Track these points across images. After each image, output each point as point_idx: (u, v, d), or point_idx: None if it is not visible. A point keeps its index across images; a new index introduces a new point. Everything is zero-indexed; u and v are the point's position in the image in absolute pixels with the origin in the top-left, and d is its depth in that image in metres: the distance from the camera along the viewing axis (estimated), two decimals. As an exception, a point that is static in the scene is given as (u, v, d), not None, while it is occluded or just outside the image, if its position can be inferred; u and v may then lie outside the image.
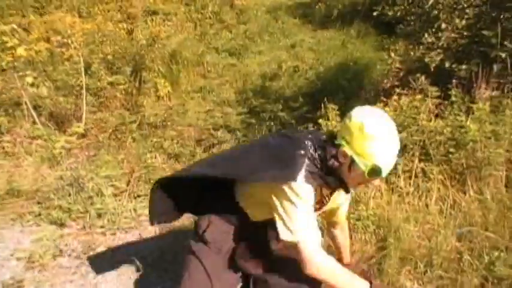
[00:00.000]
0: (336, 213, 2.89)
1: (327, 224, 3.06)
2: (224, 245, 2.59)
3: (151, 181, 4.81)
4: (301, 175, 2.25)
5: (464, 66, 5.34)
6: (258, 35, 10.84)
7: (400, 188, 4.14)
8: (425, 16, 6.08)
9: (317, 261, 2.24)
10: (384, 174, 2.23)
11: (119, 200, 4.48)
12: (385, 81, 6.65)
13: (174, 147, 5.50)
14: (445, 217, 3.83)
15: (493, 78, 4.97)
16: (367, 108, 2.33)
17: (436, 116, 4.73)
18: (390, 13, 6.40)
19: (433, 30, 5.81)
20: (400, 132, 4.41)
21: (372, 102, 5.58)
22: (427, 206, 3.97)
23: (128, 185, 4.72)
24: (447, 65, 5.54)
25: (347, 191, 2.43)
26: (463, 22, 5.68)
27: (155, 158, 5.23)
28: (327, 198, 2.58)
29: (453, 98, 4.80)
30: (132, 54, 7.14)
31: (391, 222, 3.71)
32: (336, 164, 2.31)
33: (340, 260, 3.03)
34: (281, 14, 11.78)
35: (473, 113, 4.50)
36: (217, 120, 7.01)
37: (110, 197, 4.47)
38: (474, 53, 5.61)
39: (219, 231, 2.58)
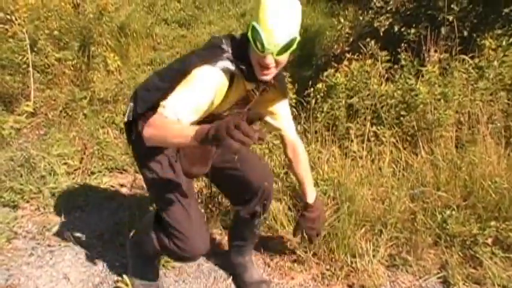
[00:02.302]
0: (279, 122, 2.85)
1: (285, 155, 3.02)
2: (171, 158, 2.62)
3: (105, 157, 4.76)
4: (211, 63, 2.30)
5: (413, 30, 5.42)
6: (208, 4, 10.74)
7: (354, 152, 4.19)
8: (374, -19, 6.11)
9: (154, 120, 2.17)
10: (265, 39, 2.19)
11: (73, 178, 4.42)
12: (336, 47, 6.69)
13: (126, 121, 5.44)
14: (398, 179, 3.90)
15: (441, 41, 5.05)
16: None
17: (387, 80, 4.79)
18: (339, -21, 6.41)
19: (382, -6, 5.84)
20: (351, 97, 4.47)
21: (322, 68, 5.60)
22: (380, 169, 4.03)
23: (81, 162, 4.65)
24: (396, 29, 5.61)
25: (255, 78, 2.38)
26: (411, -14, 5.73)
27: (108, 133, 5.15)
28: (254, 93, 2.57)
29: (403, 62, 4.86)
30: (79, 29, 6.97)
31: (345, 186, 3.75)
32: (244, 47, 2.35)
33: (303, 196, 2.98)
34: (229, -14, 11.68)
35: (422, 76, 4.58)
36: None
37: (63, 176, 4.40)
38: (422, 16, 5.68)
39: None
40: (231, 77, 2.39)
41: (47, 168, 4.41)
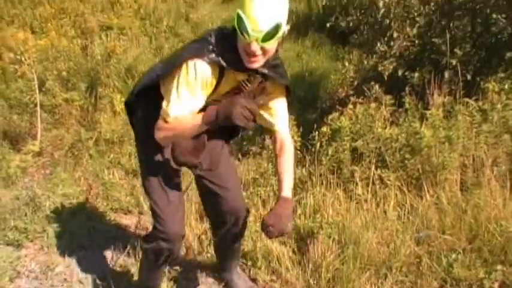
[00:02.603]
0: (274, 118, 2.87)
1: (273, 150, 3.00)
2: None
3: (110, 198, 4.77)
4: (198, 56, 2.41)
5: (416, 74, 5.46)
6: (214, 48, 10.85)
7: (358, 195, 4.18)
8: (377, 25, 6.18)
9: (161, 124, 2.51)
10: (248, 25, 2.21)
11: (77, 219, 4.42)
12: (340, 90, 6.75)
13: (132, 162, 5.45)
14: (403, 222, 3.88)
15: (445, 84, 5.09)
16: None
17: (391, 123, 4.81)
18: (343, 24, 6.50)
19: (386, 39, 5.91)
20: (356, 140, 4.49)
21: (327, 111, 5.64)
22: (385, 212, 4.02)
23: (86, 202, 4.66)
24: (400, 73, 5.65)
25: (244, 68, 2.43)
26: (414, 31, 5.80)
27: (113, 174, 5.17)
28: (246, 84, 2.60)
29: (407, 105, 4.89)
30: (87, 70, 7.07)
31: (350, 229, 3.74)
32: (232, 37, 2.40)
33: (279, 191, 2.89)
34: (236, 27, 11.83)
35: (427, 119, 4.59)
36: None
37: (68, 216, 4.40)
38: (426, 60, 5.74)
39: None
40: (221, 68, 2.46)
41: (52, 208, 4.41)
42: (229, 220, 3.12)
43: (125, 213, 4.65)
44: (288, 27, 2.38)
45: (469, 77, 5.33)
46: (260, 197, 4.32)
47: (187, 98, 2.45)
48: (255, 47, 2.28)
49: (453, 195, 4.02)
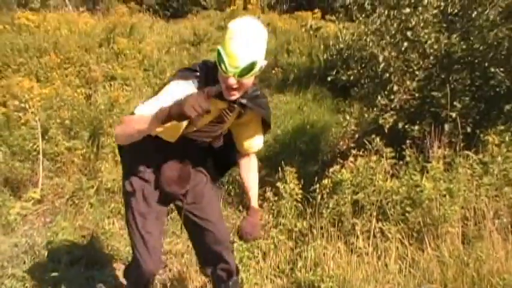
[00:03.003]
0: (250, 140, 3.11)
1: (238, 160, 3.23)
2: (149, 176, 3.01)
3: (109, 247, 4.74)
4: (183, 79, 2.69)
5: (417, 127, 5.51)
6: (215, 97, 10.93)
7: (359, 248, 4.16)
8: (378, 79, 6.26)
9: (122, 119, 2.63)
10: (227, 62, 2.45)
11: (76, 268, 4.39)
12: (341, 143, 6.78)
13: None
14: (404, 276, 3.86)
15: (445, 137, 5.12)
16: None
17: (392, 176, 4.81)
18: (344, 77, 6.56)
19: (386, 92, 5.97)
20: (357, 193, 4.48)
21: (328, 164, 5.65)
22: (386, 265, 4.00)
23: (85, 252, 4.63)
24: (400, 125, 5.70)
25: (223, 96, 2.60)
26: (414, 84, 5.86)
27: (113, 223, 5.15)
28: (226, 114, 2.84)
29: (408, 158, 4.91)
30: (90, 119, 7.11)
31: (351, 283, 3.71)
32: (215, 70, 2.59)
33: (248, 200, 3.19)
34: (238, 79, 11.94)
35: (427, 172, 4.60)
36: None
37: (67, 265, 4.37)
38: (426, 113, 5.79)
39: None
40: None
41: (51, 256, 4.38)
42: (215, 253, 3.26)
43: (124, 264, 4.60)
44: (265, 62, 2.60)
45: (469, 130, 5.38)
46: (261, 249, 4.29)
47: (158, 101, 2.60)
48: (232, 81, 2.50)
49: (455, 248, 4.01)
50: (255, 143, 3.14)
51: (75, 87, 8.78)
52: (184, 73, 2.75)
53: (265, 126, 3.10)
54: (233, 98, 2.62)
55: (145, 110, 2.58)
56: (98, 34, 12.18)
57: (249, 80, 2.57)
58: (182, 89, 2.59)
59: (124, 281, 3.64)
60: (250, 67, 2.48)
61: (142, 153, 2.97)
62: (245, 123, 3.00)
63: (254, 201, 3.12)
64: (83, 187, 5.69)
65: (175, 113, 2.33)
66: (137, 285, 3.24)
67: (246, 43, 2.46)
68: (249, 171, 3.20)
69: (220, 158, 3.30)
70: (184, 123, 2.62)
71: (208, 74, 2.68)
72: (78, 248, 4.65)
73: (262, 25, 2.58)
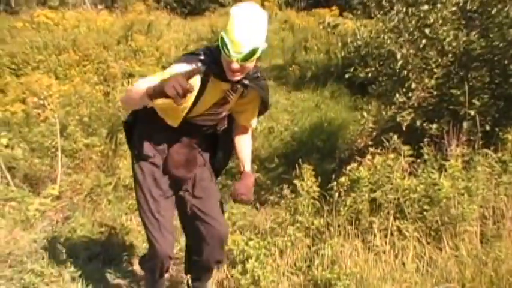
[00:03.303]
0: (251, 118, 3.30)
1: (233, 132, 3.38)
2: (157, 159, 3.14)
3: (127, 244, 4.77)
4: (187, 62, 2.78)
5: (435, 125, 5.47)
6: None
7: (376, 246, 4.14)
8: (396, 76, 6.23)
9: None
10: (230, 48, 2.60)
11: (94, 264, 4.41)
12: (359, 140, 6.76)
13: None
14: (422, 275, 3.83)
15: (464, 135, 5.08)
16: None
17: (410, 174, 4.78)
18: (362, 74, 6.54)
19: (404, 90, 5.95)
20: (374, 191, 4.46)
21: (346, 162, 5.64)
22: (403, 264, 3.97)
23: (103, 248, 4.66)
24: (418, 123, 5.67)
25: (225, 77, 2.79)
26: (433, 82, 5.83)
27: (131, 220, 5.18)
28: (229, 95, 2.98)
29: (426, 156, 4.88)
30: (108, 116, 7.16)
31: (368, 281, 3.70)
32: (217, 53, 2.76)
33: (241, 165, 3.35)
34: (256, 76, 11.94)
35: (445, 170, 4.57)
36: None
37: (85, 261, 4.40)
38: (444, 111, 5.75)
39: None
40: (206, 76, 2.82)
41: (69, 252, 4.41)
42: (214, 246, 3.38)
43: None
44: (266, 45, 2.73)
45: (487, 128, 5.34)
46: (278, 246, 4.29)
47: (160, 77, 2.69)
48: (236, 65, 2.67)
49: (473, 247, 3.98)
50: (253, 121, 3.32)
51: (93, 84, 8.87)
52: (188, 57, 2.88)
53: (263, 108, 3.26)
54: (236, 79, 2.79)
55: (143, 84, 2.71)
56: (116, 32, 12.27)
57: (251, 64, 2.75)
58: (176, 69, 2.73)
59: (140, 271, 3.69)
60: (253, 52, 2.64)
61: (150, 139, 3.12)
62: (246, 103, 3.14)
63: (247, 166, 3.29)
64: (100, 184, 5.73)
65: (158, 90, 2.50)
66: (153, 273, 3.35)
67: (249, 29, 2.61)
68: (244, 140, 3.37)
69: (225, 144, 3.46)
70: (182, 106, 2.79)
71: (211, 57, 2.81)
72: (96, 244, 4.69)
73: (263, 10, 2.73)
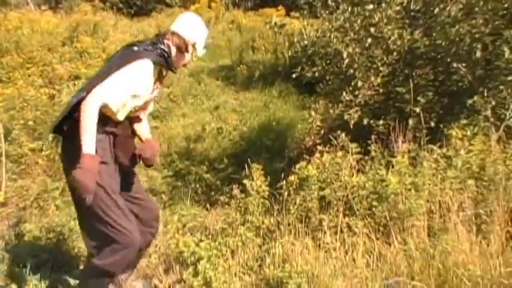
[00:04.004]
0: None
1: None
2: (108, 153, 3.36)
3: (76, 249, 4.68)
4: (144, 55, 3.25)
5: (381, 122, 5.56)
6: (182, 97, 10.89)
7: (327, 243, 4.17)
8: (342, 75, 6.30)
9: (89, 104, 3.00)
10: (200, 48, 3.54)
11: (43, 272, 4.32)
12: (307, 139, 6.80)
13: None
14: (372, 270, 3.88)
15: (409, 132, 5.17)
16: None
17: (358, 171, 4.84)
18: (309, 74, 6.58)
19: (351, 88, 6.02)
20: (323, 189, 4.51)
21: (295, 160, 5.67)
22: (354, 260, 4.01)
23: (51, 254, 4.56)
24: (365, 121, 5.75)
25: (171, 68, 3.50)
26: (378, 80, 5.92)
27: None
28: (163, 76, 3.57)
29: (373, 153, 4.95)
30: (54, 120, 7.02)
31: (319, 278, 3.72)
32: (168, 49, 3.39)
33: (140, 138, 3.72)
34: (204, 77, 11.93)
35: (393, 167, 4.64)
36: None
37: (33, 269, 4.31)
38: (390, 108, 5.85)
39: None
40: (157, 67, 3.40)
41: (16, 260, 4.31)
42: (154, 227, 3.82)
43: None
44: None
45: (432, 124, 5.44)
46: (229, 247, 4.29)
47: (123, 91, 3.17)
48: (193, 59, 3.53)
49: (421, 241, 4.05)
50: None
51: (38, 87, 8.67)
52: (153, 54, 3.30)
53: None
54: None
55: (112, 98, 3.10)
56: (60, 33, 12.03)
57: None
58: (148, 73, 3.27)
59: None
60: None
61: (99, 141, 3.14)
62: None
63: (147, 135, 3.70)
64: (48, 188, 5.62)
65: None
66: (121, 266, 3.40)
67: (206, 32, 3.56)
68: (147, 123, 3.79)
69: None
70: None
71: (161, 51, 3.34)
72: (44, 250, 4.60)
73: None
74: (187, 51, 3.43)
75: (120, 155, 3.42)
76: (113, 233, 3.21)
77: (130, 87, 3.18)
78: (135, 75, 3.17)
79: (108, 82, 3.08)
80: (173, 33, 3.41)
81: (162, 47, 3.33)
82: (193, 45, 3.43)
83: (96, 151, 3.05)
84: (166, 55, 3.34)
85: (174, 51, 3.40)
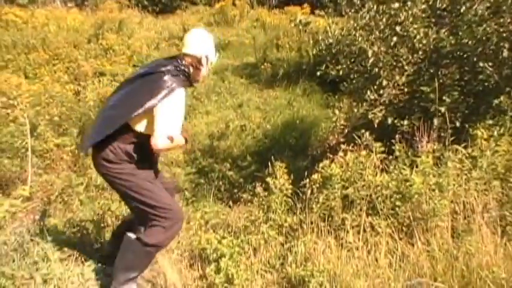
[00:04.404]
0: None
1: None
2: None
3: (99, 243, 4.72)
4: (176, 84, 3.67)
5: (406, 121, 5.52)
6: (205, 95, 10.93)
7: (349, 242, 4.16)
8: (367, 74, 6.27)
9: (161, 143, 3.56)
10: (213, 57, 3.91)
11: (66, 265, 4.36)
12: (331, 138, 6.77)
13: (122, 208, 5.42)
14: (394, 270, 3.86)
15: (434, 131, 5.13)
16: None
17: (382, 170, 4.81)
18: (334, 72, 6.56)
19: (375, 87, 5.99)
20: (346, 188, 4.49)
21: (318, 159, 5.65)
22: (376, 260, 4.00)
23: (75, 249, 4.60)
24: (390, 120, 5.71)
25: (191, 84, 3.94)
26: (403, 79, 5.88)
27: (103, 220, 5.12)
28: None
29: (397, 153, 4.92)
30: (79, 116, 7.09)
31: (341, 277, 3.71)
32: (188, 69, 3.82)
33: None
34: (228, 75, 11.95)
35: (417, 167, 4.61)
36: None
37: (57, 262, 4.34)
38: (415, 108, 5.80)
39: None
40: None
41: (40, 254, 4.35)
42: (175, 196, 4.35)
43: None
44: None
45: (457, 124, 5.40)
46: (251, 244, 4.29)
47: (179, 120, 3.71)
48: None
49: (444, 242, 4.02)
50: None
51: (63, 83, 8.77)
52: (180, 79, 3.76)
53: None
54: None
55: (177, 131, 3.66)
56: (86, 30, 12.15)
57: None
58: (183, 96, 3.72)
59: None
60: None
61: (145, 152, 3.76)
62: None
63: None
64: (72, 184, 5.67)
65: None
66: (172, 239, 3.90)
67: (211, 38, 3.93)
68: None
69: None
70: None
71: (187, 75, 3.82)
72: (67, 244, 4.63)
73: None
74: (202, 65, 3.84)
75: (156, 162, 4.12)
76: (162, 212, 3.74)
77: (181, 116, 3.73)
78: (179, 106, 3.69)
79: (164, 121, 3.60)
80: (185, 54, 3.83)
81: (183, 68, 3.79)
82: (206, 57, 3.82)
83: (142, 158, 3.82)
84: (187, 75, 3.81)
85: (191, 69, 3.84)
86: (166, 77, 3.70)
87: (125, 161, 3.77)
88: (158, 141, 3.54)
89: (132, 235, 3.89)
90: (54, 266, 4.26)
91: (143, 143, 3.70)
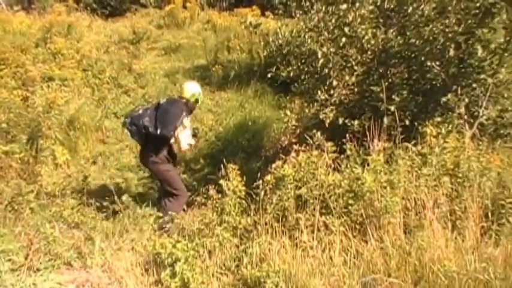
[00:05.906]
0: None
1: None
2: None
3: (51, 253, 4.63)
4: (186, 115, 6.09)
5: (356, 121, 5.58)
6: (157, 98, 10.81)
7: (304, 242, 4.18)
8: (317, 74, 6.32)
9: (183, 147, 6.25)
10: (201, 99, 6.54)
11: (17, 275, 4.26)
12: (283, 138, 6.82)
13: (74, 216, 5.34)
14: (349, 267, 3.90)
15: (384, 130, 5.20)
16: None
17: (334, 169, 4.85)
18: (284, 73, 6.60)
19: (326, 87, 6.04)
20: (299, 188, 4.51)
21: (271, 160, 5.67)
22: (331, 258, 4.03)
23: (26, 258, 4.50)
24: (341, 120, 5.77)
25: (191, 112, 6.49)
26: (353, 79, 5.96)
27: (55, 228, 5.03)
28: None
29: (348, 152, 4.97)
30: (27, 122, 6.95)
31: (297, 277, 3.73)
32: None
33: None
34: (179, 77, 11.89)
35: (368, 165, 4.66)
36: (119, 185, 6.95)
37: (7, 273, 4.24)
38: (365, 107, 5.88)
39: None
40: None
41: (-11, 265, 4.25)
42: None
43: (68, 269, 4.51)
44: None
45: (407, 122, 5.49)
46: (206, 247, 4.28)
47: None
48: None
49: (397, 238, 4.08)
50: None
51: (11, 89, 8.57)
52: (185, 109, 6.07)
53: None
54: None
55: (187, 140, 6.19)
56: (34, 34, 11.92)
57: None
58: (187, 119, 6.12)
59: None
60: None
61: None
62: None
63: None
64: (22, 192, 5.54)
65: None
66: (181, 206, 6.05)
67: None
68: None
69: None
70: None
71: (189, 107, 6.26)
72: (18, 255, 4.52)
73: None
74: (197, 102, 6.42)
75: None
76: (179, 192, 6.10)
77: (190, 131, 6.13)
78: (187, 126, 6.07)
79: (183, 133, 6.02)
80: (182, 97, 6.28)
81: (187, 103, 6.18)
82: (198, 95, 6.38)
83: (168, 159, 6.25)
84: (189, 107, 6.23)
85: (190, 104, 6.27)
86: (180, 113, 5.95)
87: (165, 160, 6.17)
88: (182, 146, 6.13)
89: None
90: (5, 276, 4.15)
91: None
